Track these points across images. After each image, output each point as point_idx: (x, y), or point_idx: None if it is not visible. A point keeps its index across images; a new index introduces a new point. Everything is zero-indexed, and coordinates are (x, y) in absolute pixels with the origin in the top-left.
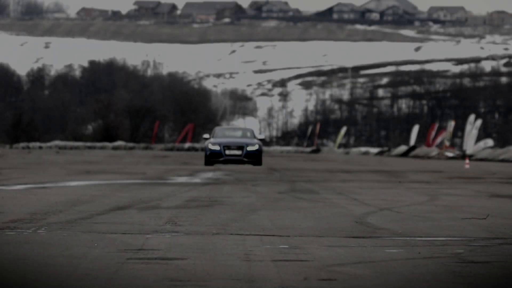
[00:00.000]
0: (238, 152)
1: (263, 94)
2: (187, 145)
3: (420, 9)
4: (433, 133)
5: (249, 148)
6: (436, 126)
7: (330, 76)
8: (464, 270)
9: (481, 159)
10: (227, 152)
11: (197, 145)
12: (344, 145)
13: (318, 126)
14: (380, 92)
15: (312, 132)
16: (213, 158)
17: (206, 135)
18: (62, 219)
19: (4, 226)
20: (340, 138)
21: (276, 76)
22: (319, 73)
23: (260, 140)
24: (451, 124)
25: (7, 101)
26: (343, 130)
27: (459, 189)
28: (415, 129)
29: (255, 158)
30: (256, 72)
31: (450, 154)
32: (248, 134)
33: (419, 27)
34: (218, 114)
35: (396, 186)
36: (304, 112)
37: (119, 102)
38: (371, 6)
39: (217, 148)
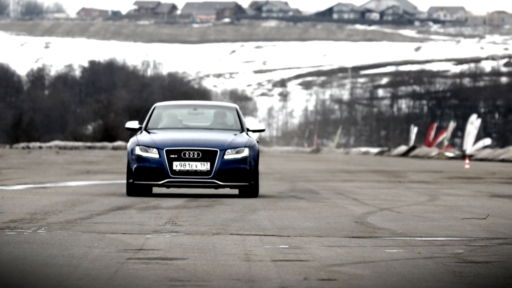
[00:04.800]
0: (203, 167)
1: (263, 94)
2: None
3: (420, 9)
4: (432, 133)
5: (228, 156)
6: (435, 126)
7: (330, 76)
8: (464, 270)
9: (481, 159)
10: (177, 165)
11: None
12: (344, 145)
13: (317, 127)
14: (380, 92)
15: (311, 132)
16: (144, 179)
17: (131, 124)
18: (62, 219)
19: (4, 226)
20: (337, 137)
21: (276, 76)
22: (319, 73)
23: (256, 132)
24: (452, 124)
25: (7, 101)
26: (339, 129)
27: (459, 189)
28: (413, 129)
29: (241, 177)
30: (256, 72)
31: (450, 154)
32: (230, 120)
33: (419, 27)
34: None
35: (396, 186)
36: (304, 112)
37: (119, 102)
38: (371, 6)
39: (154, 155)
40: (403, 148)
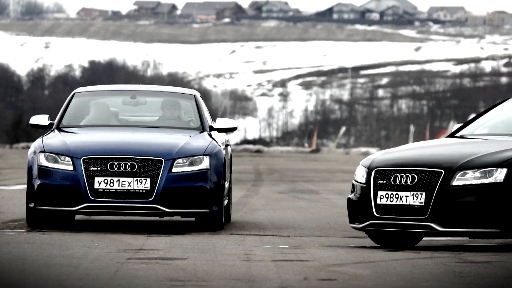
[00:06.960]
0: (140, 185)
1: (263, 94)
2: None
3: (420, 9)
4: (427, 133)
5: (179, 169)
6: (429, 126)
7: (330, 76)
8: (464, 270)
9: None
10: (101, 183)
11: None
12: (344, 145)
13: (316, 127)
14: (380, 92)
15: (310, 133)
16: (51, 204)
17: (37, 119)
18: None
19: (4, 226)
20: (339, 137)
21: (276, 76)
22: (319, 73)
23: (224, 130)
24: (452, 124)
25: (7, 101)
26: (342, 129)
27: None
28: (411, 130)
29: (196, 201)
30: (256, 72)
31: None
32: (186, 114)
33: (419, 27)
34: (218, 114)
35: None
36: (304, 112)
37: None
38: (371, 6)
39: (66, 167)
40: None
